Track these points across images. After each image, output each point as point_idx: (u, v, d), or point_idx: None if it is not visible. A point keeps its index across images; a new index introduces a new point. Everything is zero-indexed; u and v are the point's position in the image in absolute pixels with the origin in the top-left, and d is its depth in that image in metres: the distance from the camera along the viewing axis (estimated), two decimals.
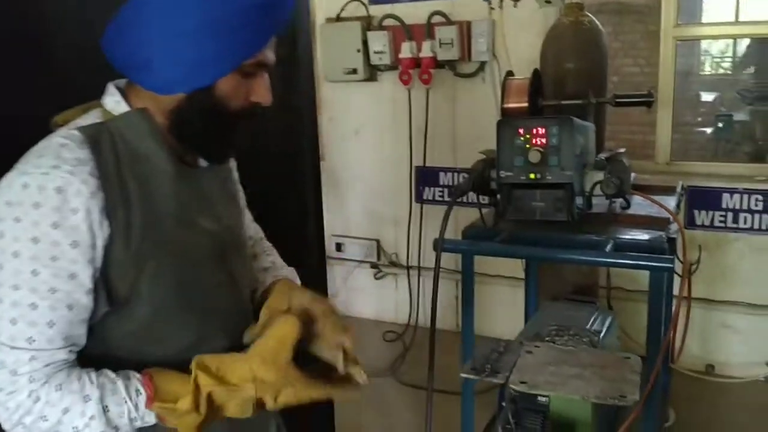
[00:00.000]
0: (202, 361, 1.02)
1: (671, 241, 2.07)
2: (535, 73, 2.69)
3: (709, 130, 7.25)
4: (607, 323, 2.30)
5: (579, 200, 2.12)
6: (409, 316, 4.10)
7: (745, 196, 3.36)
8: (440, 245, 2.04)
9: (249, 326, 1.16)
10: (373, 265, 4.29)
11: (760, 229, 3.37)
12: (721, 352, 3.54)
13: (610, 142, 8.11)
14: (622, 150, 2.29)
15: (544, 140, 2.04)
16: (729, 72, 8.72)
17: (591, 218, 2.22)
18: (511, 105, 2.64)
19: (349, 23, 3.95)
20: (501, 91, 2.66)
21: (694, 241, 3.48)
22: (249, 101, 1.09)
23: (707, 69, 8.98)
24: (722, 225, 3.43)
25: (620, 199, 2.35)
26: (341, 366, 1.12)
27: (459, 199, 2.07)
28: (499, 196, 2.13)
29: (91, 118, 1.07)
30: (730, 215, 3.41)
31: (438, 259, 2.02)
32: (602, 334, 2.12)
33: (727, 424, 3.13)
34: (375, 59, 3.90)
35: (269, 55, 1.09)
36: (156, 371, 1.03)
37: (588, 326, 2.20)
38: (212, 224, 1.14)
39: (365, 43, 3.91)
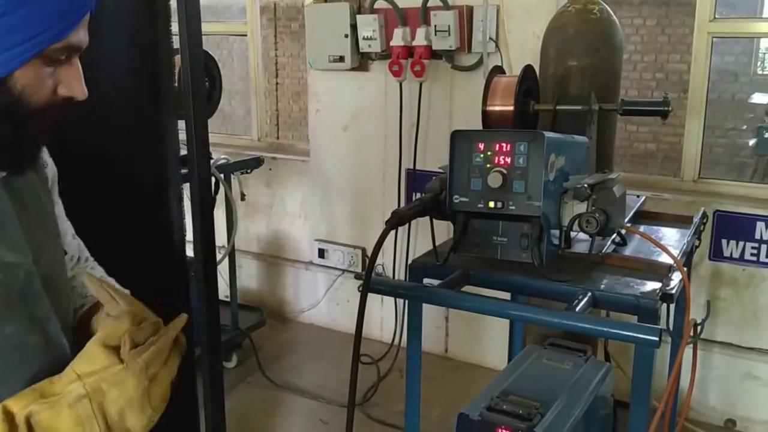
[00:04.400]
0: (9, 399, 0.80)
1: (668, 297, 1.58)
2: (527, 70, 2.23)
3: (751, 142, 6.55)
4: (595, 381, 1.84)
5: (555, 236, 1.67)
6: (394, 334, 3.67)
7: None
8: (365, 284, 1.61)
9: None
10: (358, 276, 3.85)
11: None
12: (745, 405, 3.03)
13: (651, 144, 7.61)
14: (614, 175, 1.81)
15: (508, 159, 1.60)
16: None
17: (571, 259, 1.75)
18: (492, 108, 2.21)
19: (337, 4, 3.53)
20: (484, 90, 2.21)
21: (721, 276, 2.96)
22: (56, 95, 0.87)
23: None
24: (754, 259, 2.90)
25: (615, 235, 1.90)
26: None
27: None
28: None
29: None
30: (764, 248, 2.87)
31: (362, 302, 1.59)
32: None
33: None
34: (364, 46, 3.47)
35: (82, 35, 0.87)
36: None
37: (570, 383, 1.76)
38: (9, 255, 0.88)
39: (354, 27, 3.47)
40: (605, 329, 1.47)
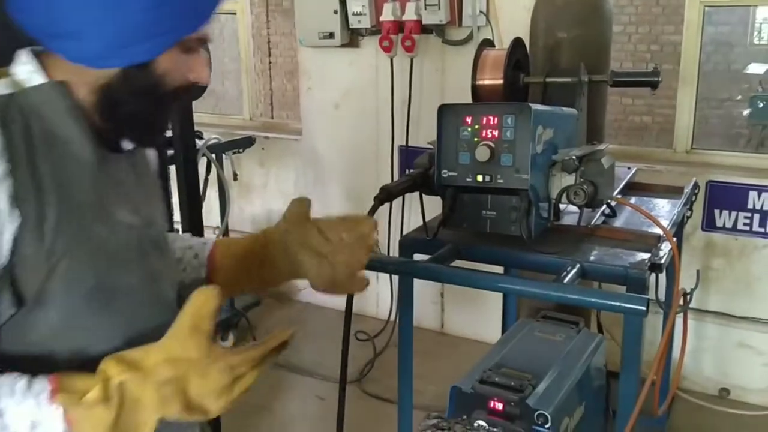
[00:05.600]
0: (114, 355, 0.89)
1: (657, 267, 1.59)
2: (517, 43, 2.22)
3: (746, 112, 6.51)
4: (587, 353, 1.86)
5: (544, 209, 1.67)
6: (390, 311, 3.68)
7: None
8: None
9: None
10: None
11: None
12: (739, 374, 3.04)
13: (646, 117, 7.57)
14: (603, 147, 1.80)
15: (495, 133, 1.60)
16: None
17: (560, 232, 1.76)
18: (483, 81, 2.19)
19: None
20: (473, 64, 2.19)
21: (714, 246, 2.97)
22: (187, 79, 0.99)
23: (764, 39, 8.15)
24: (747, 229, 2.90)
25: (604, 206, 1.90)
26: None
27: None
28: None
29: None
30: (757, 217, 2.87)
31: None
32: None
33: None
34: (354, 22, 3.43)
35: (209, 28, 0.99)
36: (64, 372, 0.89)
37: (561, 355, 1.77)
38: (130, 217, 1.03)
39: (343, 3, 3.43)
40: (593, 300, 1.47)
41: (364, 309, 3.91)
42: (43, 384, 0.86)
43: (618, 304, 1.43)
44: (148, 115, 1.00)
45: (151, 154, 1.20)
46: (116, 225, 0.99)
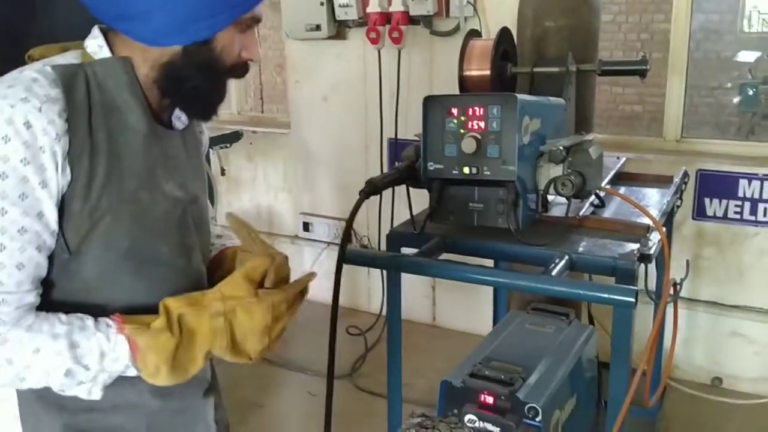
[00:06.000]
0: (172, 297, 1.02)
1: (646, 258, 1.57)
2: (504, 32, 2.18)
3: (736, 100, 6.47)
4: (578, 344, 1.84)
5: (531, 200, 1.65)
6: (381, 305, 3.66)
7: (766, 183, 2.80)
8: (340, 256, 1.59)
9: None
10: None
11: None
12: (731, 363, 3.03)
13: (637, 106, 7.56)
14: (590, 137, 1.78)
15: (481, 124, 1.57)
16: None
17: (549, 223, 1.73)
18: (470, 72, 2.16)
19: None
20: (460, 54, 2.16)
21: (705, 235, 2.96)
22: (241, 57, 1.06)
23: (754, 27, 8.12)
24: (738, 217, 2.89)
25: (593, 197, 1.88)
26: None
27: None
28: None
29: (69, 57, 1.02)
30: (747, 205, 2.86)
31: (338, 274, 1.58)
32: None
33: None
34: (340, 13, 3.39)
35: (261, 9, 1.06)
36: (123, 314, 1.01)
37: (552, 347, 1.75)
38: (177, 191, 1.10)
39: None
40: (581, 292, 1.45)
41: (355, 303, 3.89)
42: (108, 321, 0.98)
43: (607, 296, 1.41)
44: (207, 90, 1.06)
45: (205, 135, 1.27)
46: (162, 195, 1.07)
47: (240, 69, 1.08)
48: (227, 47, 1.03)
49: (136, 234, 1.02)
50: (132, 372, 0.99)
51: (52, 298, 1.01)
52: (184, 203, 1.11)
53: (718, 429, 2.76)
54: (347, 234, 1.59)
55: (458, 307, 3.60)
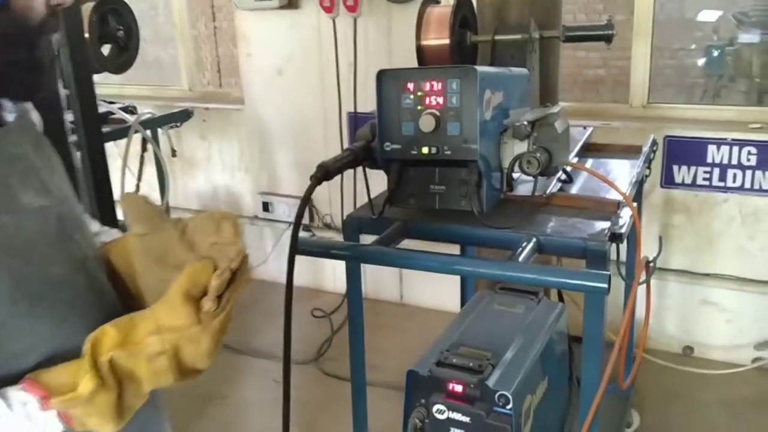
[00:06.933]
0: (95, 331, 0.82)
1: (617, 237, 1.48)
2: None
3: (701, 62, 6.40)
4: (548, 324, 1.76)
5: (496, 179, 1.54)
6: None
7: (735, 149, 2.74)
8: (292, 247, 1.48)
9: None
10: (306, 228, 3.70)
11: (752, 189, 2.75)
12: (702, 332, 3.00)
13: (600, 70, 7.47)
14: (556, 109, 1.67)
15: (440, 100, 1.45)
16: None
17: (515, 202, 1.63)
18: (427, 42, 2.04)
19: None
20: (417, 22, 2.04)
21: (673, 203, 2.89)
22: (48, 5, 0.88)
23: None
24: (707, 183, 2.82)
25: (560, 173, 1.78)
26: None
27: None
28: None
29: None
30: (716, 171, 2.79)
31: (290, 271, 1.47)
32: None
33: (703, 424, 2.60)
34: None
35: None
36: (35, 373, 0.81)
37: (522, 328, 1.66)
38: (40, 198, 0.90)
39: None
40: (550, 279, 1.36)
41: (320, 283, 3.78)
42: (21, 394, 0.79)
43: (577, 282, 1.33)
44: (26, 61, 0.89)
45: (35, 117, 1.04)
46: (24, 210, 0.87)
47: (54, 21, 0.91)
48: (26, 4, 0.87)
49: (12, 269, 0.83)
50: None
51: None
52: (55, 209, 0.92)
53: (693, 400, 2.73)
54: (298, 223, 1.46)
55: (426, 285, 3.50)
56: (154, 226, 0.93)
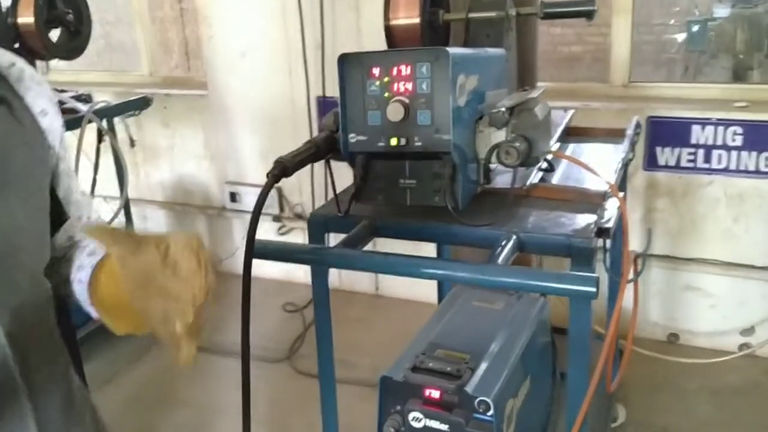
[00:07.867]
0: None
1: (604, 232, 1.35)
2: None
3: (680, 38, 6.28)
4: (529, 321, 1.64)
5: (472, 171, 1.41)
6: None
7: (720, 129, 2.63)
8: (248, 251, 1.33)
9: None
10: (276, 218, 3.55)
11: (738, 170, 2.65)
12: (687, 318, 2.91)
13: (576, 47, 7.35)
14: (536, 93, 1.54)
15: (409, 86, 1.31)
16: None
17: (493, 195, 1.50)
18: (396, 21, 1.89)
19: None
20: (384, 0, 1.89)
21: (657, 186, 2.79)
22: None
23: None
24: (691, 165, 2.72)
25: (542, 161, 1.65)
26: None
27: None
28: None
29: None
30: (701, 152, 2.69)
31: (247, 269, 1.33)
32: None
33: (690, 414, 2.52)
34: None
35: None
36: None
37: (502, 326, 1.55)
38: None
39: None
40: (533, 283, 1.23)
41: (291, 275, 3.62)
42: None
43: (563, 286, 1.20)
44: None
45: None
46: None
47: None
48: None
49: None
50: None
51: None
52: None
53: (680, 390, 2.64)
54: (254, 226, 1.32)
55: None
56: (133, 247, 0.84)
